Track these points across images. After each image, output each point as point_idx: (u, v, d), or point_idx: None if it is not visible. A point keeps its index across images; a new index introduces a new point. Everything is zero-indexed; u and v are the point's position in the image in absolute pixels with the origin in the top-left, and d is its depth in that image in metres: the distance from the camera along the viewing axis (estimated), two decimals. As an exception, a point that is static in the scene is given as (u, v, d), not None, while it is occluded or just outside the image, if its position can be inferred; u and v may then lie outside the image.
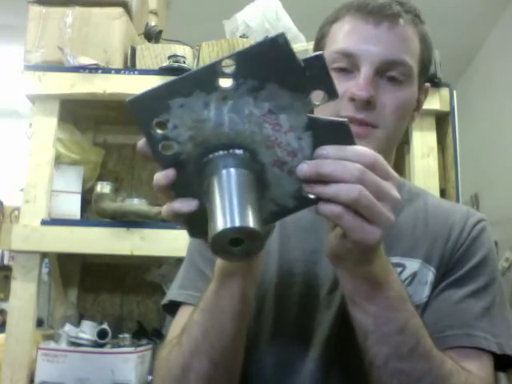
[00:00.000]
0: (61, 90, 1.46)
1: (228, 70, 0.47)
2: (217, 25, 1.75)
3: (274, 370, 0.72)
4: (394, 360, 0.59)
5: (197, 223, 0.52)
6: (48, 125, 1.46)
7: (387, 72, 0.71)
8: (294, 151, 0.51)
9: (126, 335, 1.46)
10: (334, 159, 0.49)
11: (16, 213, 3.69)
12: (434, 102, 1.48)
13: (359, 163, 0.49)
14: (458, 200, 1.49)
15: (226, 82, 0.47)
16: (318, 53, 0.48)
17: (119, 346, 1.42)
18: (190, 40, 1.62)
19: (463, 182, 1.51)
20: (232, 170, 0.49)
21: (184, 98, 0.48)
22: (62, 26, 1.51)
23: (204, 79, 0.47)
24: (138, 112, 0.51)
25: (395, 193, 0.51)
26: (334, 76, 0.67)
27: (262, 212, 0.48)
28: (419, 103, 0.80)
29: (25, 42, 1.52)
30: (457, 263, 0.73)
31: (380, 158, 0.51)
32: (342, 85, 0.69)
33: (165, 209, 0.53)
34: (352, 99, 0.70)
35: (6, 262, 4.07)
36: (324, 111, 0.70)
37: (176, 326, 0.73)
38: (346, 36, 0.72)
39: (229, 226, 0.45)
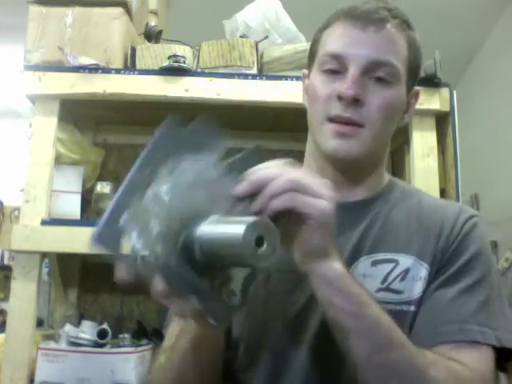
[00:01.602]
0: (61, 90, 1.46)
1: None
2: (217, 25, 1.74)
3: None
4: (375, 354, 0.61)
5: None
6: (48, 125, 1.46)
7: (374, 72, 0.75)
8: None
9: (126, 335, 1.46)
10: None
11: (16, 213, 3.70)
12: (434, 102, 1.48)
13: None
14: (458, 200, 1.49)
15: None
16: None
17: (119, 346, 1.42)
18: (190, 40, 1.62)
19: (463, 182, 1.51)
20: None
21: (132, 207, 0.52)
22: (62, 26, 1.51)
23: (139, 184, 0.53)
24: (104, 246, 0.54)
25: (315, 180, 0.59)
26: (325, 78, 0.75)
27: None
28: (409, 106, 0.83)
29: (25, 42, 1.52)
30: (449, 260, 0.74)
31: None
32: (331, 85, 0.75)
33: (175, 310, 0.57)
34: (340, 98, 0.74)
35: (6, 261, 4.08)
36: (314, 112, 0.77)
37: (170, 333, 0.77)
38: (335, 40, 0.77)
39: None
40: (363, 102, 0.74)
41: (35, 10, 1.53)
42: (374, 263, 0.75)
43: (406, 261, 0.74)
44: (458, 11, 3.52)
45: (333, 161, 0.79)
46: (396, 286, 0.73)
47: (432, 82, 1.48)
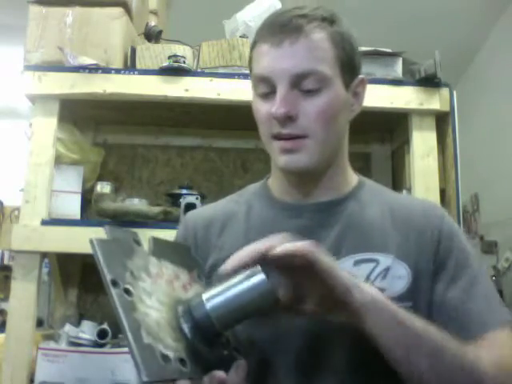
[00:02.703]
0: (61, 90, 1.46)
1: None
2: (217, 25, 1.74)
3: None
4: (435, 363, 0.65)
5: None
6: (48, 125, 1.46)
7: (301, 84, 0.76)
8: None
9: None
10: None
11: (16, 213, 3.69)
12: (434, 102, 1.48)
13: None
14: (458, 200, 1.49)
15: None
16: None
17: (119, 346, 1.42)
18: (190, 40, 1.62)
19: (463, 182, 1.51)
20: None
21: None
22: (62, 26, 1.51)
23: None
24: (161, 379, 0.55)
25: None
26: (260, 100, 0.79)
27: None
28: (357, 96, 0.84)
29: (25, 42, 1.52)
30: (441, 264, 0.78)
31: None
32: (266, 106, 0.78)
33: None
34: (274, 118, 0.76)
35: (6, 261, 4.07)
36: (261, 132, 0.82)
37: None
38: (259, 61, 0.79)
39: None
40: (297, 115, 0.76)
41: (35, 10, 1.53)
42: (356, 263, 0.77)
43: (385, 260, 0.77)
44: (458, 11, 3.53)
45: (288, 174, 0.83)
46: (378, 284, 0.75)
47: (432, 82, 1.48)
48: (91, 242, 0.58)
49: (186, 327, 0.57)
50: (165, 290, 0.60)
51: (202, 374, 0.56)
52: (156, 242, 0.67)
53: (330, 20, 0.79)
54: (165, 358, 0.52)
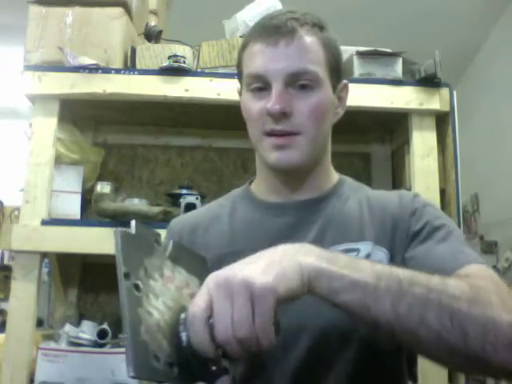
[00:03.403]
0: (61, 90, 1.46)
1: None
2: (217, 25, 1.74)
3: None
4: (400, 304, 0.59)
5: None
6: (48, 125, 1.46)
7: (296, 82, 0.79)
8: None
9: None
10: None
11: (16, 213, 3.70)
12: (434, 102, 1.48)
13: None
14: (458, 200, 1.49)
15: None
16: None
17: (119, 346, 1.42)
18: (190, 40, 1.62)
19: (463, 182, 1.51)
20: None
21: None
22: (62, 26, 1.51)
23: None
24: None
25: None
26: (253, 96, 0.81)
27: None
28: (340, 100, 0.88)
29: (25, 42, 1.52)
30: (415, 234, 0.80)
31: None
32: (260, 103, 0.81)
33: None
34: (269, 114, 0.79)
35: (6, 261, 4.07)
36: (251, 129, 0.84)
37: None
38: (253, 61, 0.82)
39: None
40: (291, 112, 0.79)
41: (35, 10, 1.53)
42: None
43: (365, 247, 0.80)
44: (458, 11, 3.52)
45: (278, 171, 0.85)
46: None
47: (432, 82, 1.48)
48: (115, 231, 0.59)
49: (183, 335, 0.57)
50: (173, 295, 0.61)
51: (187, 383, 0.57)
52: (176, 246, 0.68)
53: (319, 26, 0.83)
54: (156, 358, 0.53)
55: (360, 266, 0.62)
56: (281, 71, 0.79)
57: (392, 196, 0.88)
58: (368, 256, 0.79)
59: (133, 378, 0.51)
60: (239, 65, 0.87)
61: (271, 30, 0.80)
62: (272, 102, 0.78)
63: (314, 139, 0.81)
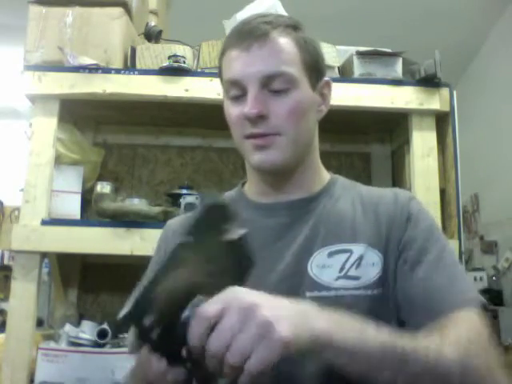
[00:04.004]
0: (61, 90, 1.46)
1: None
2: (217, 25, 1.74)
3: None
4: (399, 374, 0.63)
5: None
6: (48, 125, 1.46)
7: (271, 85, 0.80)
8: None
9: (126, 335, 1.46)
10: None
11: (16, 213, 3.70)
12: (434, 102, 1.48)
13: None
14: (458, 200, 1.49)
15: None
16: None
17: (119, 346, 1.42)
18: (190, 40, 1.62)
19: (463, 182, 1.51)
20: None
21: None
22: (62, 26, 1.51)
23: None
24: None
25: None
26: (232, 103, 0.82)
27: None
28: (323, 97, 0.88)
29: (25, 42, 1.52)
30: (408, 243, 0.80)
31: None
32: (238, 108, 0.82)
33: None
34: (247, 118, 0.80)
35: (6, 261, 4.08)
36: (233, 134, 0.85)
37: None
38: (229, 67, 0.83)
39: None
40: (269, 114, 0.80)
41: (35, 10, 1.53)
42: (330, 254, 0.80)
43: (358, 249, 0.80)
44: (458, 11, 3.53)
45: (262, 172, 0.86)
46: (353, 272, 0.78)
47: (432, 82, 1.48)
48: (201, 196, 0.62)
49: (183, 316, 0.57)
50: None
51: (152, 350, 0.59)
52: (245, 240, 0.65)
53: (293, 26, 0.84)
54: (149, 317, 0.55)
55: (368, 337, 0.62)
56: (255, 74, 0.79)
57: (387, 193, 0.88)
58: (361, 258, 0.79)
59: (121, 320, 0.54)
60: (219, 72, 0.88)
61: (245, 34, 0.81)
62: (248, 107, 0.79)
63: (295, 139, 0.82)
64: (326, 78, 0.89)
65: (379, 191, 0.90)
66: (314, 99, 0.86)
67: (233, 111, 0.83)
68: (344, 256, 0.80)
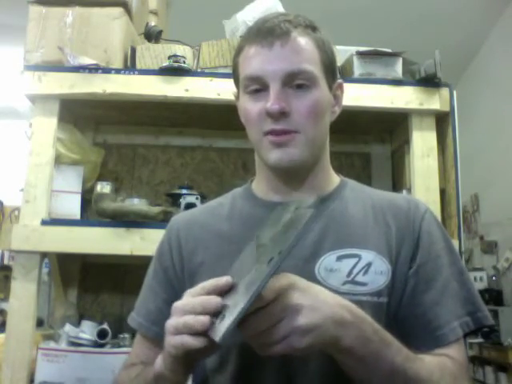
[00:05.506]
0: (61, 90, 1.46)
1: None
2: (217, 25, 1.75)
3: None
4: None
5: None
6: (48, 125, 1.46)
7: (292, 82, 0.80)
8: None
9: (126, 335, 1.46)
10: None
11: (16, 213, 3.69)
12: (434, 102, 1.48)
13: None
14: (458, 200, 1.49)
15: None
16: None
17: (119, 346, 1.42)
18: (190, 40, 1.62)
19: (463, 182, 1.51)
20: None
21: None
22: (62, 26, 1.51)
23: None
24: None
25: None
26: (251, 98, 0.82)
27: None
28: (337, 98, 0.89)
29: (25, 42, 1.52)
30: (422, 260, 0.81)
31: None
32: (258, 104, 0.81)
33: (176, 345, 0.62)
34: (268, 114, 0.80)
35: (6, 261, 4.08)
36: (251, 131, 0.84)
37: (133, 351, 0.90)
38: (249, 63, 0.83)
39: None
40: (290, 111, 0.80)
41: (35, 10, 1.53)
42: (339, 258, 0.80)
43: (367, 256, 0.80)
44: (458, 12, 3.53)
45: (279, 170, 0.85)
46: (360, 278, 0.78)
47: (432, 82, 1.48)
48: (310, 210, 0.63)
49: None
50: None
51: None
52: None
53: (312, 27, 0.85)
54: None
55: (386, 358, 0.67)
56: (278, 71, 0.79)
57: (399, 202, 0.87)
58: (369, 265, 0.79)
59: (218, 342, 0.56)
60: (235, 69, 0.88)
61: (265, 32, 0.81)
62: (271, 102, 0.79)
63: (313, 137, 0.82)
64: (340, 80, 0.90)
65: (391, 197, 0.90)
66: (330, 100, 0.86)
67: (252, 107, 0.82)
68: (352, 261, 0.79)
